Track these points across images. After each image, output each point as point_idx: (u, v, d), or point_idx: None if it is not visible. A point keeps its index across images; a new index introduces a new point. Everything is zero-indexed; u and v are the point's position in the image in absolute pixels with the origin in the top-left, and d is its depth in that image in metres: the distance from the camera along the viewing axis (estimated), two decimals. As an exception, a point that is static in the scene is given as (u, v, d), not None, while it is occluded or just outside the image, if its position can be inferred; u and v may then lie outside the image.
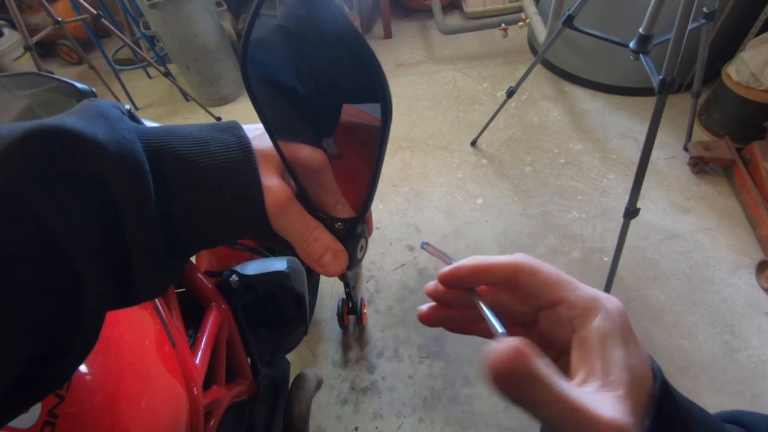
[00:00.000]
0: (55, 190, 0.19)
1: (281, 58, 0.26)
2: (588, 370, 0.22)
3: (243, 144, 0.25)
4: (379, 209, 1.72)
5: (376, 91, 0.23)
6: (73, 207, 0.19)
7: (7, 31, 2.57)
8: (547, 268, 0.25)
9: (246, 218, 0.24)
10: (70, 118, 0.20)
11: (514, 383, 0.18)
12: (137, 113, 0.27)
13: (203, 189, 0.23)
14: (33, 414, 0.29)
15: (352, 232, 0.27)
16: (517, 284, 0.25)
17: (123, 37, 1.82)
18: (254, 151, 0.25)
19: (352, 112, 0.27)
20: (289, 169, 0.26)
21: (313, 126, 0.28)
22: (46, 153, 0.19)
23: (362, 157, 0.27)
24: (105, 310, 0.22)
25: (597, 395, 0.20)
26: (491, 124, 1.82)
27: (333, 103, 0.28)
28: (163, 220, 0.22)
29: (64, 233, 0.19)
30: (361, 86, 0.25)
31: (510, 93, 1.64)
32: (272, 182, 0.24)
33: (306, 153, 0.26)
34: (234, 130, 0.25)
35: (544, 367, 0.18)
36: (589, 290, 0.24)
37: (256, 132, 0.26)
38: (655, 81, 1.03)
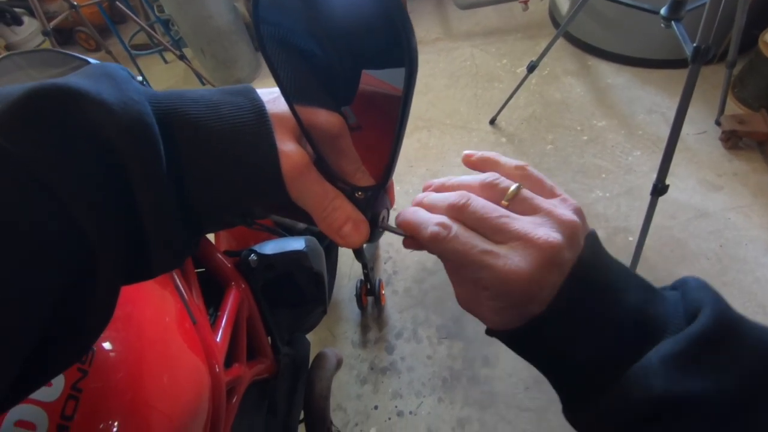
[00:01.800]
0: (60, 152, 0.18)
1: (296, 18, 0.25)
2: None
3: (257, 107, 0.23)
4: (395, 190, 1.69)
5: (399, 47, 0.21)
6: (80, 171, 0.18)
7: (26, 19, 2.61)
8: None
9: (261, 184, 0.23)
10: (74, 78, 0.19)
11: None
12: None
13: (216, 154, 0.22)
14: (57, 388, 0.29)
15: (374, 202, 0.26)
16: None
17: (138, 21, 1.82)
18: (269, 115, 0.23)
19: (371, 81, 0.25)
20: (305, 134, 0.24)
21: (331, 91, 0.26)
22: (50, 113, 0.18)
23: (382, 128, 0.26)
24: (119, 279, 0.21)
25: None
26: (511, 102, 1.77)
27: (352, 68, 0.26)
28: (176, 187, 0.21)
29: (70, 197, 0.18)
30: (383, 46, 0.23)
31: (531, 68, 1.58)
32: (288, 147, 0.23)
33: (323, 117, 0.25)
34: (247, 93, 0.24)
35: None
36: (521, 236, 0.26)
37: (270, 95, 0.25)
38: (688, 50, 0.97)
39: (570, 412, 0.26)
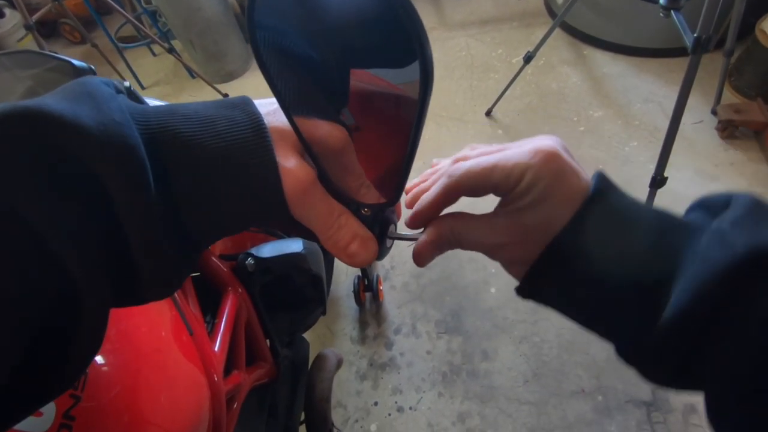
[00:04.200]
0: (35, 181, 0.16)
1: (291, 20, 0.23)
2: None
3: (255, 121, 0.21)
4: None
5: (403, 44, 0.19)
6: (58, 201, 0.17)
7: (8, 11, 2.53)
8: (475, 165, 0.25)
9: (262, 205, 0.22)
10: (51, 99, 0.17)
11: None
12: (143, 93, 0.24)
13: (211, 175, 0.20)
14: (48, 417, 0.28)
15: (381, 218, 0.25)
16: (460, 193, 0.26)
17: (124, 13, 1.77)
18: (268, 129, 0.22)
19: (366, 78, 0.24)
20: (307, 149, 0.22)
21: (329, 95, 0.24)
22: (23, 139, 0.16)
23: (383, 127, 0.24)
24: (105, 309, 0.20)
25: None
26: (507, 93, 1.75)
27: (349, 68, 0.24)
28: (168, 211, 0.20)
29: (49, 230, 0.17)
30: (387, 45, 0.21)
31: (527, 59, 1.56)
32: (291, 163, 0.21)
33: (325, 130, 0.23)
34: (244, 106, 0.22)
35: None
36: (516, 155, 0.24)
37: (269, 107, 0.23)
38: (688, 40, 0.96)
39: (642, 336, 0.21)
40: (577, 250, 0.22)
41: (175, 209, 0.20)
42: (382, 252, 0.25)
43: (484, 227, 0.25)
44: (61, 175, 0.17)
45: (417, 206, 0.27)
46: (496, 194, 0.25)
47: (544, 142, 0.23)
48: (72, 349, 0.19)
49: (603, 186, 0.23)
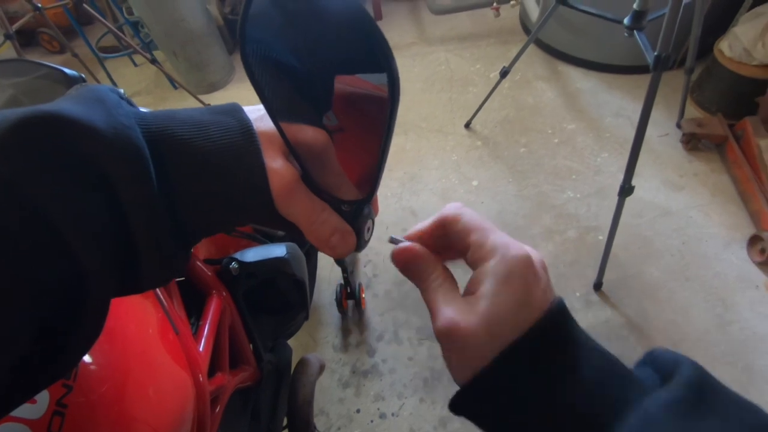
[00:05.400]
0: (54, 179, 0.18)
1: (276, 33, 0.25)
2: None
3: (245, 127, 0.24)
4: (374, 194, 1.71)
5: (380, 63, 0.22)
6: (74, 196, 0.19)
7: (-16, 19, 2.49)
8: (468, 216, 0.26)
9: (251, 202, 0.24)
10: (66, 104, 0.19)
11: (405, 268, 0.28)
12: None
13: (206, 174, 0.23)
14: (41, 404, 0.29)
15: (359, 214, 0.27)
16: (447, 233, 0.27)
17: (106, 23, 1.77)
18: (257, 134, 0.24)
19: (349, 81, 0.26)
20: (292, 151, 0.25)
21: (312, 102, 0.27)
22: (44, 140, 0.18)
23: (365, 128, 0.27)
24: (109, 298, 0.21)
25: (456, 302, 0.25)
26: (485, 106, 1.81)
27: (331, 76, 0.27)
28: (167, 208, 0.22)
29: (65, 223, 0.18)
30: (364, 57, 0.24)
31: (504, 73, 1.62)
32: (277, 164, 0.24)
33: (308, 134, 0.25)
34: (235, 112, 0.25)
35: (425, 265, 0.27)
36: (499, 238, 0.25)
37: (257, 113, 0.25)
38: (649, 58, 1.02)
39: None
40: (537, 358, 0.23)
41: (173, 205, 0.22)
42: (360, 244, 0.28)
43: (455, 293, 0.26)
44: (75, 173, 0.19)
45: (411, 230, 0.29)
46: (466, 261, 0.26)
47: (528, 248, 0.25)
48: (73, 337, 0.21)
49: (564, 308, 0.24)
